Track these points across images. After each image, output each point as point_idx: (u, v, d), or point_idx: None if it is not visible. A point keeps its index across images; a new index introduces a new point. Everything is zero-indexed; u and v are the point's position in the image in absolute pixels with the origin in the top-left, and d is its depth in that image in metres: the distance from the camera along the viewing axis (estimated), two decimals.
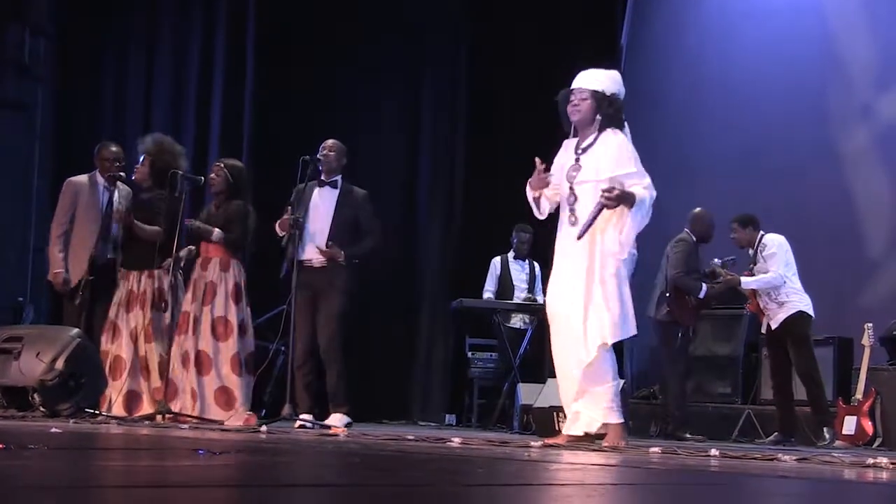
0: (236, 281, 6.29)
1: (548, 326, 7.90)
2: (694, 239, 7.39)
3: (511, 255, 8.60)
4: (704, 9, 9.61)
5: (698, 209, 7.51)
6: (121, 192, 6.71)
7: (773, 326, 7.08)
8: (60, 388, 5.82)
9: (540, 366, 7.94)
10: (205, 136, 9.11)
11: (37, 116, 8.52)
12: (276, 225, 6.30)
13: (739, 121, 9.03)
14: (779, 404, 7.16)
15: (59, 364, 5.83)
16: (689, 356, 7.50)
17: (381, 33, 9.47)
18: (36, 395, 5.76)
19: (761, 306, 7.15)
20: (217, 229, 6.28)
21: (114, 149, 6.80)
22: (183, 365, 6.20)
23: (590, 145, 5.04)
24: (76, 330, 6.11)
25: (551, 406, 6.66)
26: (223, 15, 9.33)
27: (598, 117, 5.05)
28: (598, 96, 5.05)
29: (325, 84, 9.16)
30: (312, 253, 6.34)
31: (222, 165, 6.49)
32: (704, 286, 7.28)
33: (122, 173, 6.66)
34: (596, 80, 5.14)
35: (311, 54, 9.23)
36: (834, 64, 8.67)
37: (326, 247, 6.31)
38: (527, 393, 7.36)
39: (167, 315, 6.28)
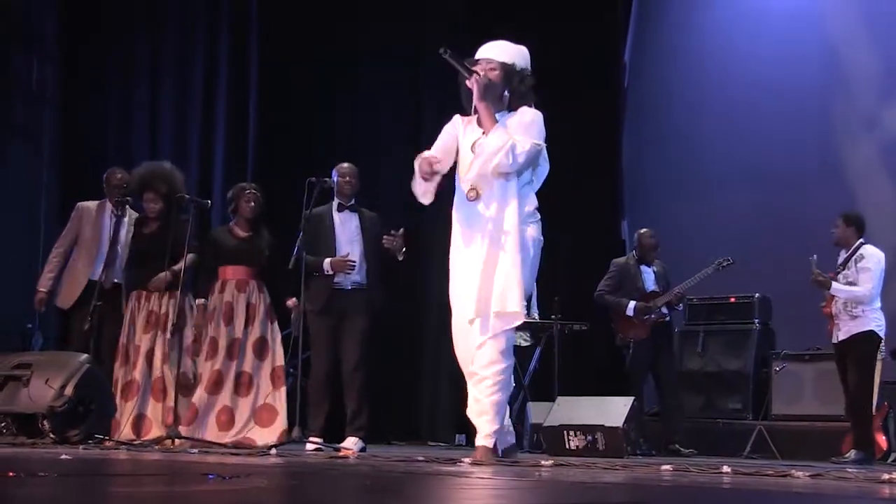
0: (268, 301, 6.47)
1: (553, 343, 8.02)
2: (636, 258, 7.66)
3: None
4: (706, 25, 9.63)
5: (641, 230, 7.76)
6: (130, 219, 6.75)
7: (841, 338, 6.79)
8: (70, 414, 5.81)
9: (549, 384, 7.92)
10: (209, 158, 9.14)
11: (44, 142, 8.55)
12: (328, 265, 6.28)
13: (743, 135, 9.04)
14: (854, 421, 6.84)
15: (69, 390, 5.82)
16: (642, 372, 7.53)
17: (382, 53, 9.49)
18: (45, 422, 5.76)
19: (833, 312, 6.87)
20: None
21: (119, 175, 6.86)
22: (215, 388, 6.25)
23: (498, 122, 4.54)
24: (85, 356, 6.12)
25: (561, 424, 6.65)
26: (226, 37, 9.38)
27: (506, 93, 4.56)
28: (507, 69, 4.55)
29: (327, 104, 9.18)
30: (340, 277, 6.38)
31: (257, 193, 6.54)
32: (632, 303, 7.49)
33: (128, 198, 6.70)
34: (504, 51, 4.61)
35: (314, 73, 9.25)
36: (837, 77, 8.69)
37: (391, 238, 6.14)
38: (537, 412, 7.34)
39: (187, 335, 6.35)
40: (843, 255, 6.96)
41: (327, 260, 6.30)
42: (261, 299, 6.45)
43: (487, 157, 4.41)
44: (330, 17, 9.20)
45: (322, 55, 9.23)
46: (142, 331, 6.40)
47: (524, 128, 4.46)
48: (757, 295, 8.20)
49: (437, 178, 4.62)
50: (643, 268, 7.65)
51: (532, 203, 4.61)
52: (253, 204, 6.51)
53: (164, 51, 9.23)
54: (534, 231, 4.57)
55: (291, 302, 6.39)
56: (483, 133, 4.52)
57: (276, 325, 6.47)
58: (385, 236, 6.14)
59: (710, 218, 8.95)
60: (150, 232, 6.55)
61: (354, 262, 6.33)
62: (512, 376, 4.63)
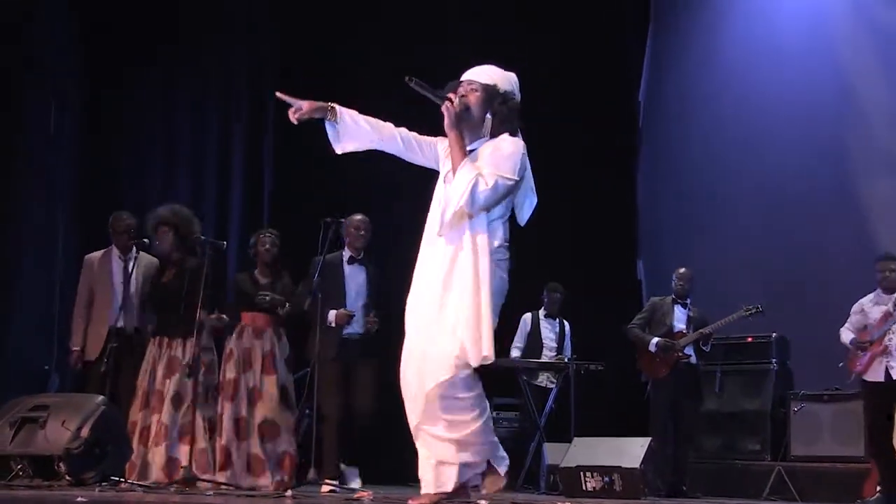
0: (287, 350, 6.56)
1: (569, 384, 7.98)
2: (672, 297, 7.63)
3: (542, 312, 8.61)
4: (721, 63, 9.65)
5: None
6: (140, 261, 6.79)
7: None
8: (86, 456, 5.81)
9: (566, 425, 7.89)
10: (225, 204, 9.19)
11: (61, 188, 8.62)
12: (334, 317, 6.44)
13: (759, 172, 9.04)
14: (884, 463, 6.75)
15: (85, 432, 5.82)
16: (661, 411, 7.48)
17: (398, 94, 9.54)
18: (61, 464, 5.75)
19: (890, 350, 6.81)
20: (287, 303, 6.53)
21: (126, 220, 6.92)
22: (242, 434, 6.33)
23: (475, 150, 4.17)
24: (101, 397, 6.13)
25: (578, 465, 6.61)
26: (243, 82, 9.45)
27: (489, 116, 4.17)
28: (489, 90, 4.16)
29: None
30: (347, 327, 6.54)
31: (274, 236, 6.60)
32: (655, 339, 7.48)
33: (145, 240, 6.75)
34: (487, 73, 4.23)
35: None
36: (854, 113, 8.66)
37: (368, 321, 6.55)
38: (553, 452, 7.30)
39: (205, 379, 6.42)
40: (879, 295, 7.01)
41: (332, 312, 6.45)
42: (279, 347, 6.53)
43: (448, 202, 4.07)
44: (346, 59, 9.27)
45: (339, 95, 9.26)
46: (163, 376, 6.43)
47: (495, 161, 4.05)
48: (774, 334, 8.16)
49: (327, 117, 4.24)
50: (677, 307, 7.62)
51: (500, 239, 4.16)
52: (268, 246, 6.58)
53: (179, 94, 9.31)
54: (499, 271, 4.13)
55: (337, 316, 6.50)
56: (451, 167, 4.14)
57: (289, 373, 6.56)
58: (367, 319, 6.49)
59: (726, 257, 8.92)
60: (168, 279, 6.60)
61: (354, 314, 6.50)
62: (486, 400, 4.18)
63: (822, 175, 8.66)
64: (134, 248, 6.80)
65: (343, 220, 6.52)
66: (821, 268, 8.34)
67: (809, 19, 9.06)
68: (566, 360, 8.26)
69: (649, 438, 6.69)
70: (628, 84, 9.91)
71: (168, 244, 6.58)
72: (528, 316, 8.58)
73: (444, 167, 4.24)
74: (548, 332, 8.58)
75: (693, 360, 7.55)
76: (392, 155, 4.40)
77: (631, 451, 6.53)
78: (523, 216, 4.28)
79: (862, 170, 8.59)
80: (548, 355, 8.47)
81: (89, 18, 8.77)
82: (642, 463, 6.45)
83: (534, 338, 8.55)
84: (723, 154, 9.36)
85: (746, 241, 8.91)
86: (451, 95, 4.12)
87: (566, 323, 8.64)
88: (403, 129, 4.35)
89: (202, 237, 6.57)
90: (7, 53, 8.03)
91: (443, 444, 4.09)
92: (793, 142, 8.89)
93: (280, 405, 6.43)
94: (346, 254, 6.63)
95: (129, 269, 6.74)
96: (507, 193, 4.09)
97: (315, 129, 9.70)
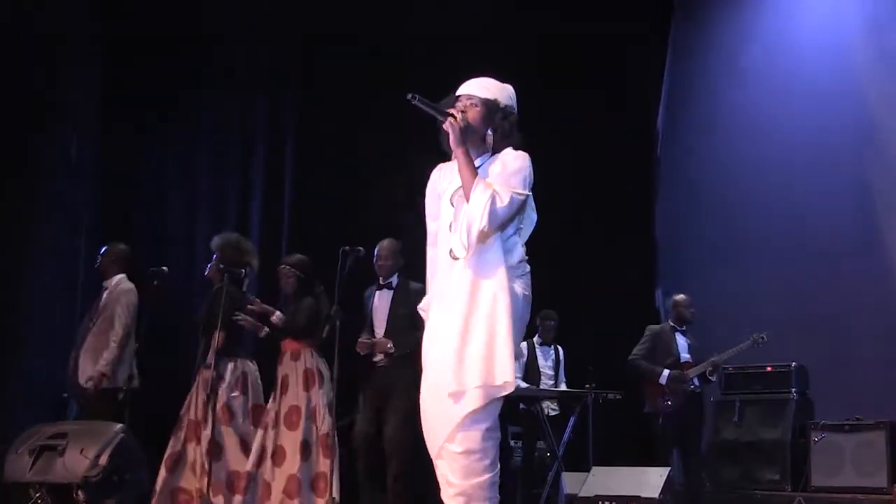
0: (306, 367, 6.49)
1: (587, 412, 7.94)
2: (670, 325, 7.63)
3: (537, 340, 8.64)
4: (739, 92, 9.64)
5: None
6: (113, 288, 6.87)
7: None
8: (104, 484, 5.83)
9: (584, 454, 7.85)
10: (245, 232, 9.21)
11: (81, 215, 8.67)
12: (357, 346, 6.42)
13: (777, 202, 9.01)
14: None
15: (103, 460, 5.84)
16: (668, 442, 7.44)
17: (419, 123, 9.56)
18: (80, 492, 5.77)
19: None
20: (277, 311, 6.53)
21: (115, 249, 7.01)
22: (260, 461, 6.33)
23: (480, 166, 4.02)
24: (120, 425, 6.16)
25: (596, 495, 6.57)
26: (263, 108, 9.49)
27: (489, 132, 4.05)
28: (489, 105, 4.04)
29: (363, 176, 9.24)
30: (377, 354, 6.50)
31: (289, 268, 6.60)
32: (666, 371, 7.41)
33: (164, 268, 6.81)
34: (485, 87, 4.09)
35: (349, 145, 9.34)
36: (874, 146, 8.60)
37: (375, 345, 6.44)
38: (571, 482, 7.27)
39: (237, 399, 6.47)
40: None
41: (357, 346, 6.44)
42: (294, 367, 6.50)
43: (470, 224, 3.89)
44: (366, 85, 9.29)
45: (356, 122, 9.32)
46: (196, 403, 6.49)
47: (505, 178, 3.93)
48: (794, 364, 8.11)
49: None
50: (677, 335, 7.62)
51: (518, 255, 4.04)
52: (281, 281, 6.65)
53: (200, 124, 9.36)
54: (520, 287, 3.99)
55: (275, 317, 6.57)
56: (461, 185, 4.00)
57: (314, 391, 6.46)
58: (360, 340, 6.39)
59: (745, 286, 8.89)
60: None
61: (369, 342, 6.42)
62: (498, 454, 3.93)
63: (842, 205, 8.61)
64: (115, 277, 6.89)
65: (361, 248, 6.50)
66: (841, 298, 8.29)
67: (831, 51, 9.01)
68: (562, 388, 8.28)
69: (668, 468, 6.65)
70: (647, 112, 9.91)
71: (213, 272, 6.67)
72: (524, 344, 8.58)
73: (446, 190, 4.14)
74: (543, 361, 8.62)
75: (698, 388, 7.55)
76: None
77: (650, 481, 6.49)
78: (524, 234, 4.17)
79: (880, 202, 8.54)
80: (546, 384, 8.50)
81: (111, 48, 8.86)
82: (661, 493, 6.41)
83: (531, 366, 8.57)
84: (741, 183, 9.33)
85: (765, 270, 8.87)
86: (453, 111, 4.00)
87: (560, 349, 8.67)
88: (432, 247, 4.24)
89: (221, 265, 6.60)
90: (30, 83, 8.12)
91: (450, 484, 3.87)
92: (812, 172, 8.84)
93: (286, 427, 6.38)
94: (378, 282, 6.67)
95: (99, 299, 6.86)
96: (520, 208, 4.00)
97: (333, 149, 9.66)
